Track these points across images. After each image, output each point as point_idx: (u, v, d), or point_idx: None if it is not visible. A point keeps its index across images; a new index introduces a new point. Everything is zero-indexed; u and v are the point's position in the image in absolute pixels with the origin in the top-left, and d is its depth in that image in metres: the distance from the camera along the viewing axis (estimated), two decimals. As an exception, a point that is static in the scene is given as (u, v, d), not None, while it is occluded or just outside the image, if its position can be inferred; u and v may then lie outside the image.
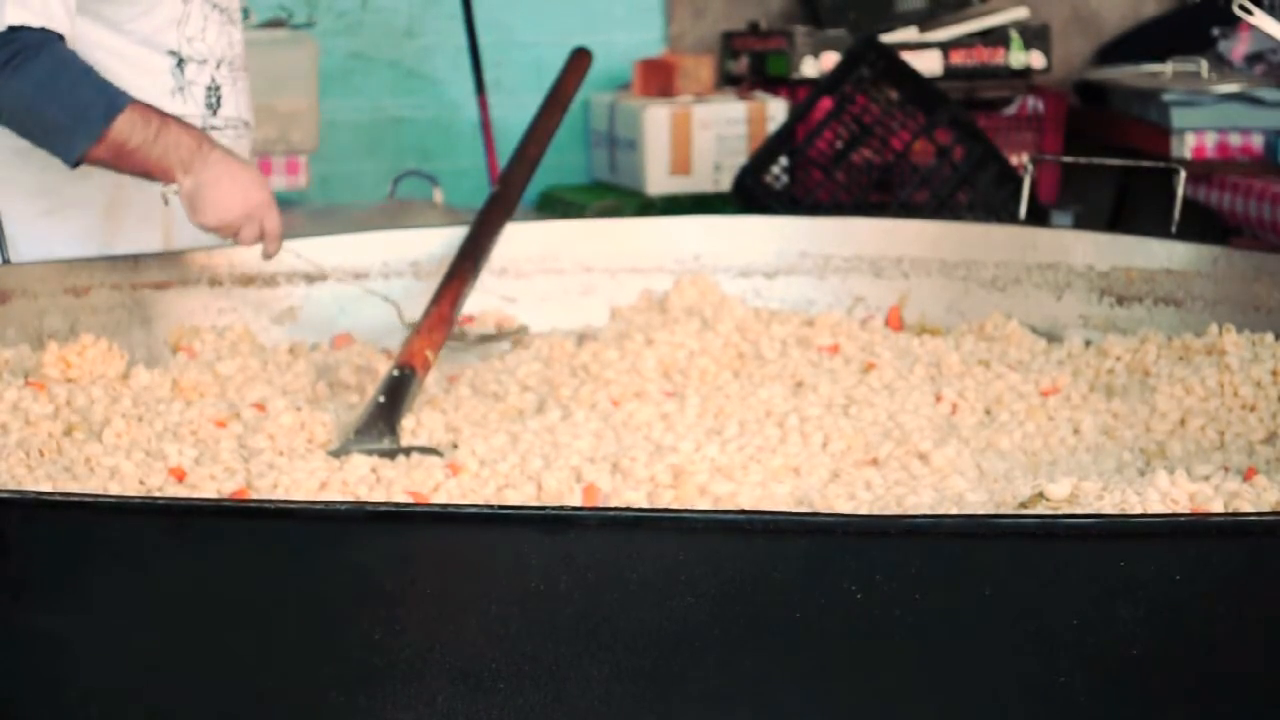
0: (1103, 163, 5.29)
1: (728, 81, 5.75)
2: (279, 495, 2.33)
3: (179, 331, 2.93)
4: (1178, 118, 5.19)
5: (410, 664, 1.76)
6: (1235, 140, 5.20)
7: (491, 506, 2.20)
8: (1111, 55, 6.02)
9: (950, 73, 5.48)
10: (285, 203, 3.53)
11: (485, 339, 3.08)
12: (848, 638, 1.72)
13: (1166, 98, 5.22)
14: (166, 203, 2.83)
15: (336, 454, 2.53)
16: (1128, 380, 2.74)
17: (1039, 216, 4.64)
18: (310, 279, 3.06)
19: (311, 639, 1.79)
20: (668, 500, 2.36)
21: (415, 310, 2.94)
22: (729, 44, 5.81)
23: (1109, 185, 5.87)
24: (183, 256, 3.00)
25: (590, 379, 2.81)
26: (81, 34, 2.85)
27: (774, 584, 1.71)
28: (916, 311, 3.11)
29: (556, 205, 5.56)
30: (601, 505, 2.30)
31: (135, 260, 2.94)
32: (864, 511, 2.27)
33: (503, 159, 3.82)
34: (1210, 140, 5.20)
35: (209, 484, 2.37)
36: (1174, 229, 3.00)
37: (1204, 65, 5.36)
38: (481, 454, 2.50)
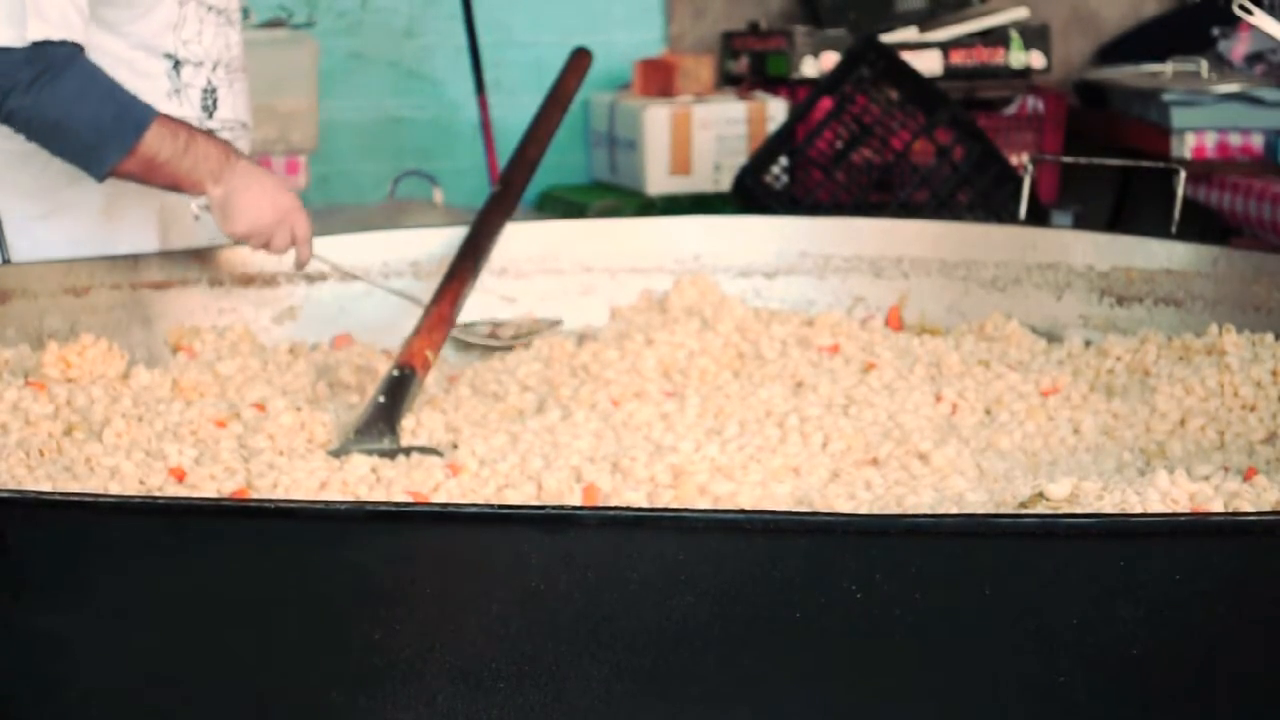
0: (1103, 163, 5.29)
1: (728, 81, 5.75)
2: (279, 495, 2.33)
3: (179, 331, 2.94)
4: (1178, 118, 5.19)
5: (410, 664, 1.76)
6: (1235, 140, 5.20)
7: (491, 506, 2.20)
8: (1111, 55, 6.02)
9: (950, 73, 5.48)
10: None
11: (519, 338, 3.07)
12: (848, 638, 1.72)
13: (1166, 98, 5.22)
14: (197, 218, 2.86)
15: (336, 454, 2.53)
16: (1128, 380, 2.74)
17: (1039, 216, 4.64)
18: (310, 279, 3.06)
19: (311, 639, 1.79)
20: (668, 500, 2.36)
21: (415, 310, 2.94)
22: (729, 44, 5.80)
23: (1109, 185, 5.87)
24: (183, 256, 3.00)
25: (590, 379, 2.82)
26: (79, 37, 2.85)
27: (774, 584, 1.71)
28: (916, 311, 3.11)
29: (556, 205, 5.56)
30: (601, 505, 2.30)
31: (135, 260, 2.94)
32: (864, 511, 2.28)
33: (503, 159, 3.82)
34: (1210, 140, 5.20)
35: (209, 484, 2.37)
36: (1174, 229, 3.00)
37: (1204, 65, 5.36)
38: (481, 454, 2.50)
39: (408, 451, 2.55)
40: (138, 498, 2.22)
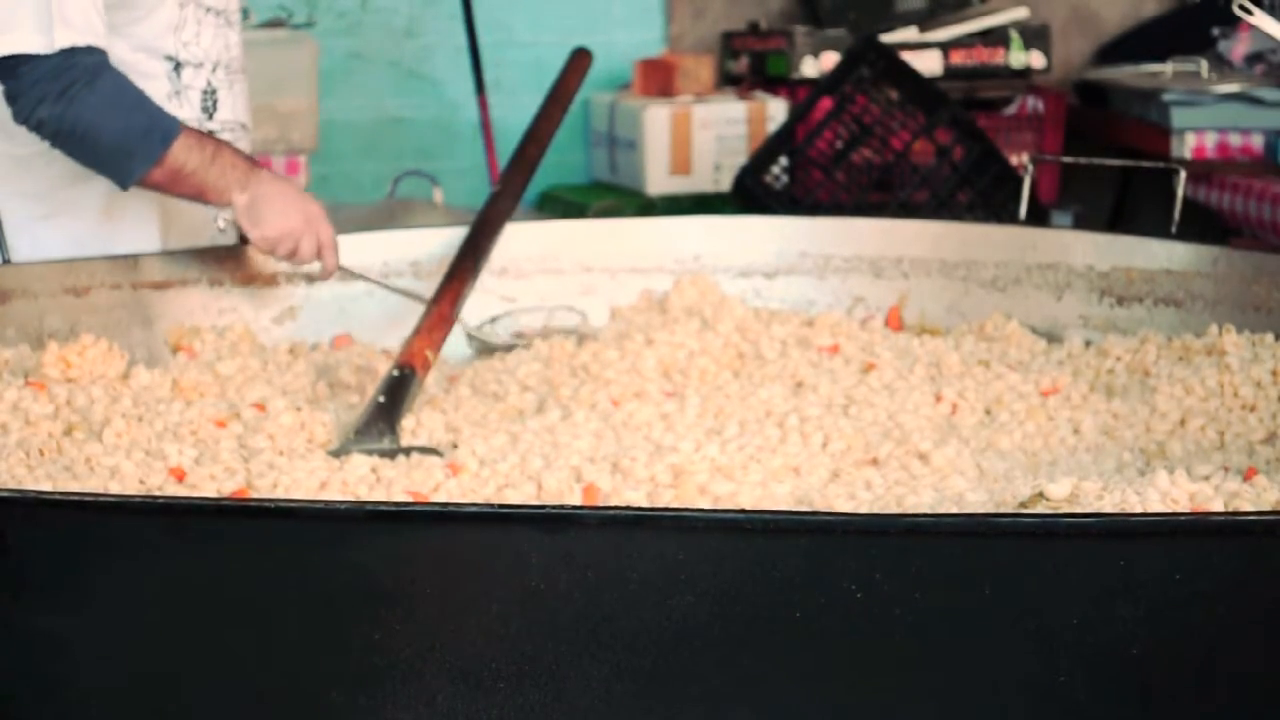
0: (1103, 163, 5.29)
1: (728, 81, 5.75)
2: (279, 495, 2.33)
3: (179, 331, 2.94)
4: (1178, 118, 5.18)
5: (410, 664, 1.76)
6: (1235, 140, 5.20)
7: (491, 506, 2.20)
8: (1111, 55, 6.02)
9: (950, 73, 5.48)
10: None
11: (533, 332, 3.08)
12: (848, 637, 1.72)
13: (1166, 98, 5.22)
14: (222, 230, 2.87)
15: (336, 454, 2.53)
16: (1128, 380, 2.74)
17: (1039, 216, 4.64)
18: (310, 279, 3.06)
19: (311, 639, 1.79)
20: (668, 500, 2.36)
21: (415, 310, 2.94)
22: (729, 44, 5.80)
23: (1109, 185, 5.87)
24: (183, 256, 3.00)
25: (590, 379, 2.82)
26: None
27: (774, 583, 1.71)
28: (916, 311, 3.11)
29: (556, 205, 5.56)
30: (601, 505, 2.30)
31: (135, 260, 2.94)
32: (864, 511, 2.28)
33: (503, 159, 3.83)
34: (1210, 140, 5.20)
35: (209, 484, 2.37)
36: (1174, 229, 2.99)
37: (1204, 65, 5.36)
38: (481, 454, 2.50)
39: (408, 451, 2.55)
40: (138, 498, 2.22)
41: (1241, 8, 3.24)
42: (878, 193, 4.98)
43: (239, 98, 3.11)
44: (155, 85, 2.93)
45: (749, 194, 4.95)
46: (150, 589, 1.81)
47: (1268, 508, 2.06)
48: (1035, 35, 5.57)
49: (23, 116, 2.75)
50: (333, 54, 5.45)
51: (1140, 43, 5.94)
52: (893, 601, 1.70)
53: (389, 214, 4.71)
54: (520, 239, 3.17)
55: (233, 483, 2.38)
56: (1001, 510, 2.12)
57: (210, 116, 3.04)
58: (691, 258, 3.20)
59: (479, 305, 3.10)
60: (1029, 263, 3.05)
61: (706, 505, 2.35)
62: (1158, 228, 3.12)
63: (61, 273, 2.85)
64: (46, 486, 2.29)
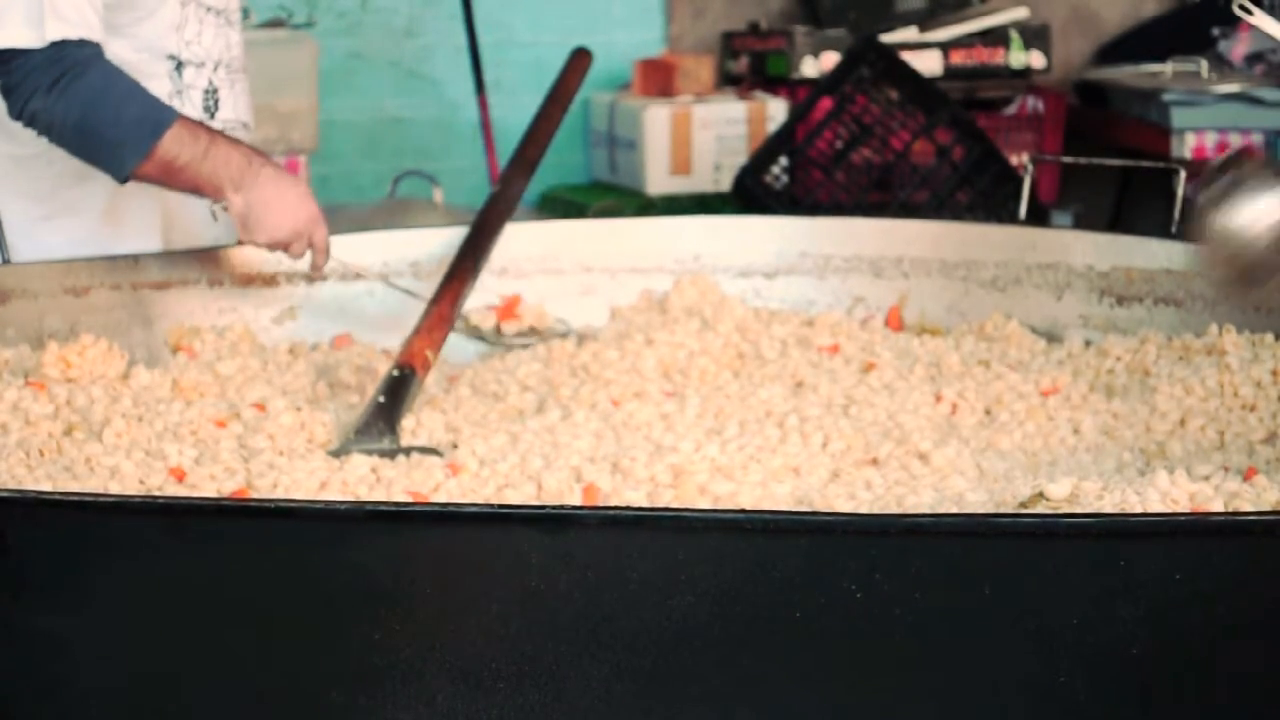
0: (1103, 163, 5.29)
1: (728, 81, 5.75)
2: (279, 495, 2.33)
3: (179, 331, 2.94)
4: (1178, 118, 5.18)
5: (410, 664, 1.76)
6: (1235, 140, 5.20)
7: (491, 506, 2.20)
8: (1111, 55, 6.02)
9: (950, 73, 5.48)
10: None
11: (522, 335, 3.07)
12: (848, 637, 1.72)
13: (1166, 98, 5.22)
14: (216, 218, 2.87)
15: (336, 454, 2.53)
16: (1128, 380, 2.74)
17: (1039, 216, 4.64)
18: (310, 279, 3.06)
19: (311, 639, 1.79)
20: (668, 500, 2.36)
21: (415, 310, 2.94)
22: (729, 44, 5.80)
23: (1109, 185, 5.87)
24: (183, 256, 3.00)
25: (590, 379, 2.82)
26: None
27: (774, 584, 1.71)
28: (916, 311, 3.11)
29: (556, 205, 5.56)
30: (601, 505, 2.30)
31: (135, 260, 2.94)
32: (864, 511, 2.28)
33: (503, 159, 3.82)
34: (1210, 140, 5.20)
35: (209, 484, 2.37)
36: (1174, 229, 2.99)
37: (1204, 65, 5.36)
38: (481, 454, 2.50)
39: (408, 451, 2.55)
40: (138, 498, 2.22)
41: (1241, 8, 3.24)
42: (878, 193, 4.98)
43: (240, 97, 3.11)
44: (157, 85, 2.93)
45: (749, 194, 4.95)
46: (150, 589, 1.81)
47: (1268, 508, 2.06)
48: (1035, 35, 5.57)
49: (16, 110, 2.74)
50: (333, 54, 5.45)
51: (1140, 43, 5.94)
52: (893, 601, 1.70)
53: (389, 214, 4.71)
54: (520, 239, 3.17)
55: (233, 483, 2.38)
56: (1001, 510, 2.13)
57: (212, 116, 3.04)
58: (691, 258, 3.20)
59: (481, 304, 3.10)
60: (1029, 263, 3.05)
61: (706, 505, 2.35)
62: (1158, 228, 3.12)
63: (61, 273, 2.85)
64: (46, 486, 2.29)
